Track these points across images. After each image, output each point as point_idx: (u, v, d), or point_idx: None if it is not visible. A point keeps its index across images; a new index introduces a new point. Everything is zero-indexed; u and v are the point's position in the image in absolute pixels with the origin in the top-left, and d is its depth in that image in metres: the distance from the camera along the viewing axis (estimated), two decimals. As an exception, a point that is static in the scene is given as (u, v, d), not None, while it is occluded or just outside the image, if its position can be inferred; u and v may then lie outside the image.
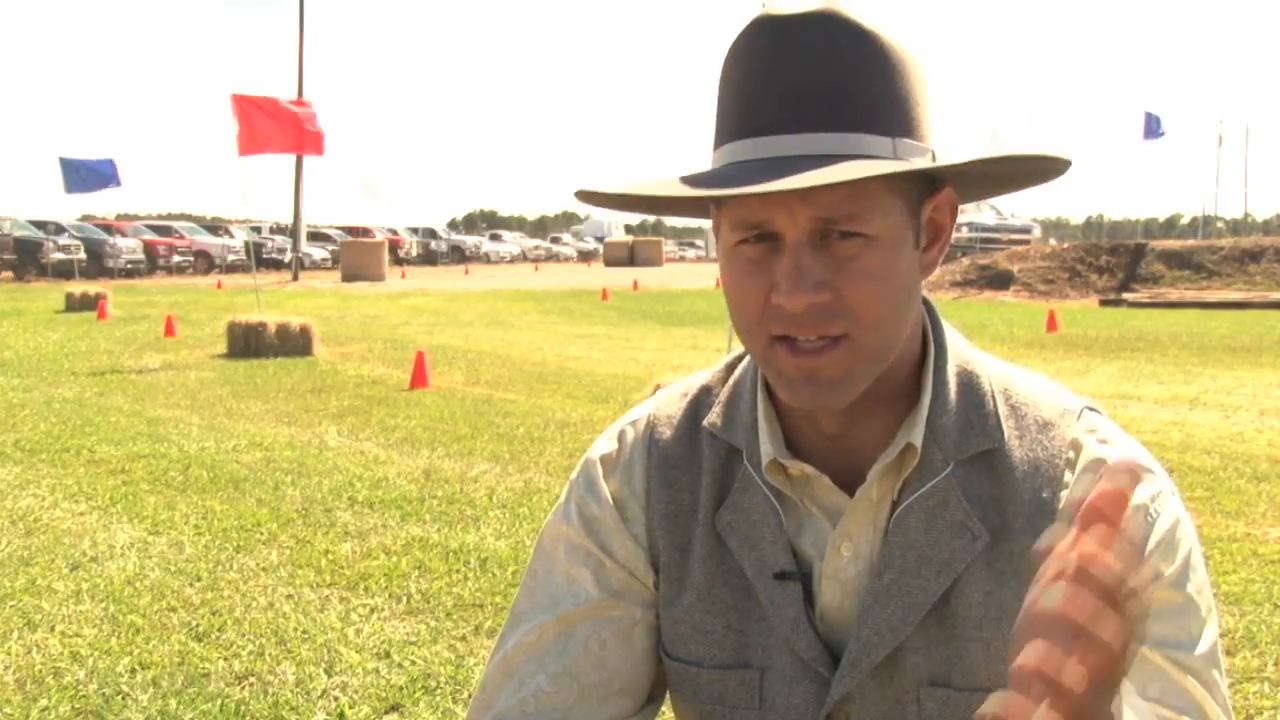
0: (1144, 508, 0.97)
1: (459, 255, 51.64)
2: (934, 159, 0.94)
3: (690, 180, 0.95)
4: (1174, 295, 22.15)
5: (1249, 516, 5.10)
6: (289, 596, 4.03)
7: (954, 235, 1.04)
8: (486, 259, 53.74)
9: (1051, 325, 15.44)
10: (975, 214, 31.36)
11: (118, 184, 19.20)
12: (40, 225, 31.50)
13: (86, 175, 18.92)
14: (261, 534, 4.86)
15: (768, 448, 1.03)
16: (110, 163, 19.17)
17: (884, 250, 0.93)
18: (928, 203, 0.98)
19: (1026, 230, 32.78)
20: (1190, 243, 27.17)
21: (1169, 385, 9.71)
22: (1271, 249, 24.48)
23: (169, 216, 78.92)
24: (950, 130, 0.97)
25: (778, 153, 0.90)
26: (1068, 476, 1.00)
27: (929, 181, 0.98)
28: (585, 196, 1.01)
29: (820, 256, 0.91)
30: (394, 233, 49.35)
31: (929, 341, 1.04)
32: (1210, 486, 5.66)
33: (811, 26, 0.91)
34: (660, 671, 1.12)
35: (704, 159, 1.01)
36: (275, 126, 12.71)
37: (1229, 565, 4.31)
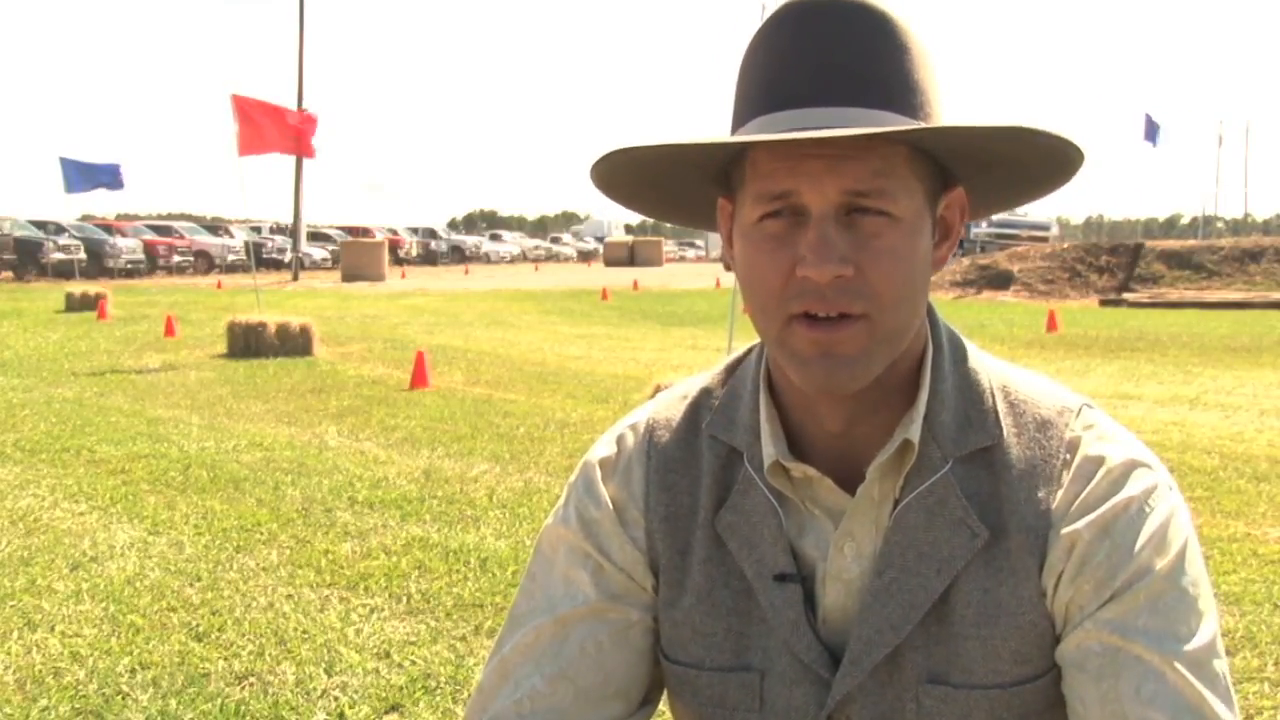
0: (1138, 501, 0.98)
1: (459, 255, 51.64)
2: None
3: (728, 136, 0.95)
4: (1174, 295, 22.15)
5: (1249, 516, 5.10)
6: (289, 596, 4.03)
7: (973, 230, 1.05)
8: (486, 259, 53.73)
9: (1051, 325, 15.44)
10: None
11: (120, 187, 19.17)
12: (40, 225, 31.49)
13: (87, 173, 18.90)
14: (261, 534, 4.86)
15: (770, 449, 1.03)
16: (115, 167, 19.14)
17: (905, 232, 0.94)
18: (942, 198, 0.99)
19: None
20: (1190, 243, 27.14)
21: (1169, 385, 9.71)
22: (1271, 249, 24.48)
23: (169, 216, 78.94)
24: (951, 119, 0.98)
25: (807, 123, 0.91)
26: (1064, 476, 1.00)
27: (944, 177, 0.99)
28: (606, 162, 0.99)
29: (845, 232, 0.92)
30: (394, 233, 49.35)
31: (928, 339, 1.05)
32: (1210, 486, 5.66)
33: (840, 10, 0.93)
34: (656, 675, 1.11)
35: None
36: (274, 128, 12.71)
37: (1229, 565, 4.30)
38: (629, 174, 1.02)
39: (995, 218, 30.38)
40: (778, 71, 0.94)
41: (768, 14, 0.97)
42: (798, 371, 0.96)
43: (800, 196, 0.92)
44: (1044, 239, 30.30)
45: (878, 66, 0.93)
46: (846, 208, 0.92)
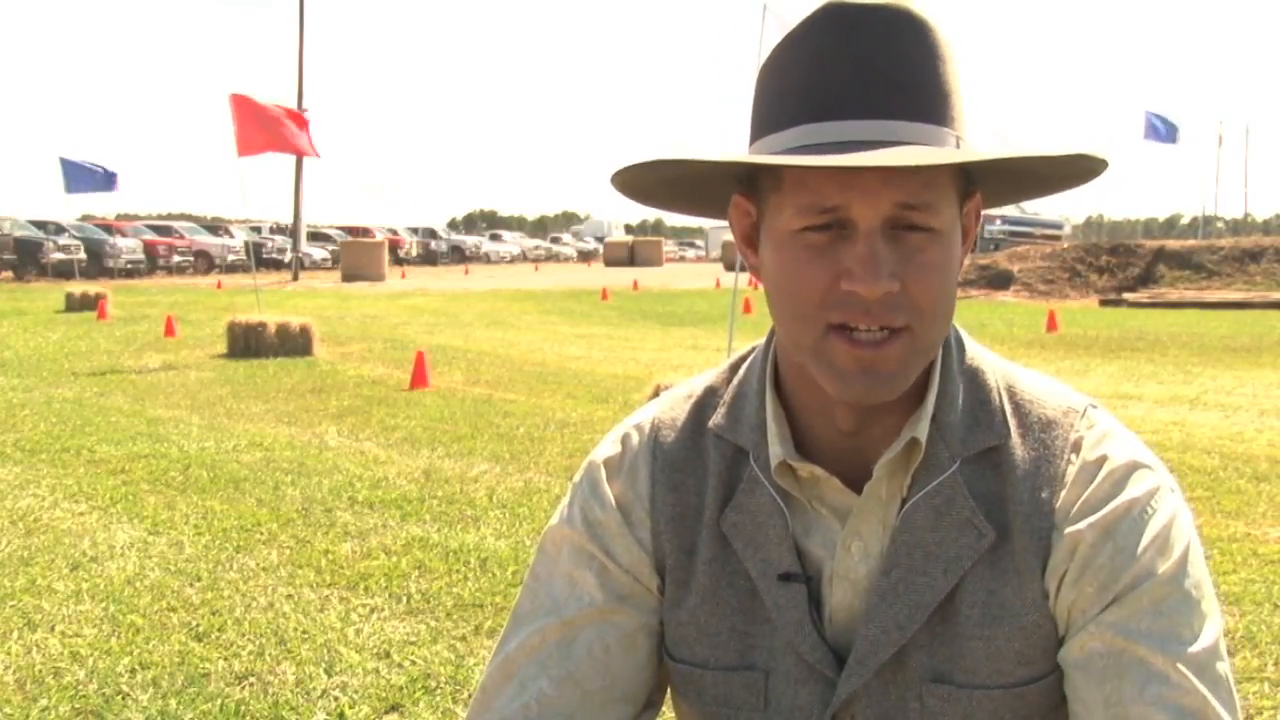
0: (1140, 504, 0.98)
1: (459, 255, 51.62)
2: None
3: (782, 152, 0.93)
4: (1174, 295, 22.14)
5: (1249, 516, 5.10)
6: (289, 596, 4.03)
7: (987, 229, 1.05)
8: (486, 259, 53.71)
9: (1051, 325, 15.44)
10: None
11: (112, 189, 19.20)
12: (40, 225, 31.49)
13: (85, 176, 18.92)
14: (261, 534, 4.86)
15: (777, 449, 1.03)
16: (112, 174, 19.19)
17: (944, 245, 0.94)
18: (965, 205, 0.99)
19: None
20: (1190, 243, 27.13)
21: (1169, 385, 9.70)
22: (1271, 249, 24.48)
23: (169, 216, 78.85)
24: (973, 128, 0.98)
25: (854, 136, 0.90)
26: (1068, 477, 1.00)
27: (967, 183, 0.99)
28: (641, 167, 0.98)
29: (890, 247, 0.92)
30: (394, 233, 49.36)
31: None
32: (1210, 486, 5.66)
33: (882, 18, 0.92)
34: (660, 678, 1.11)
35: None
36: (273, 128, 12.67)
37: (1229, 565, 4.30)
38: (652, 176, 1.02)
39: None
40: (818, 78, 0.92)
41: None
42: (835, 384, 0.95)
43: (849, 211, 0.91)
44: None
45: (921, 76, 0.92)
46: (893, 222, 0.91)
